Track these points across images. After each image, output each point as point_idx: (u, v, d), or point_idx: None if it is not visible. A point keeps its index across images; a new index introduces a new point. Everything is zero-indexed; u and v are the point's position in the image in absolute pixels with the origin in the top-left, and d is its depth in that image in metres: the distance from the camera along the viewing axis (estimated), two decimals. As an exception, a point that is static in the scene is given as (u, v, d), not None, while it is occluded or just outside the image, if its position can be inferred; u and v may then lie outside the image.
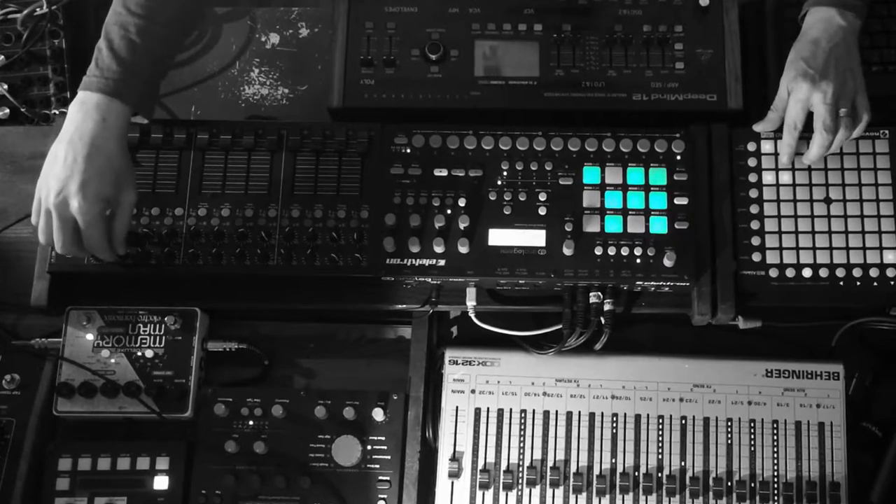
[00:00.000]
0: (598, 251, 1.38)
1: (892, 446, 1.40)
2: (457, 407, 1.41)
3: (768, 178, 1.43)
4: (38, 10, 1.61)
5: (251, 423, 1.41)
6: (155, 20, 1.38)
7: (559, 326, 1.41)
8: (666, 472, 1.38)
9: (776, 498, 1.37)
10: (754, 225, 1.42)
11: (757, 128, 1.44)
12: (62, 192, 1.30)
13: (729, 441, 1.40)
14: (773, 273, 1.40)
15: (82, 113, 1.33)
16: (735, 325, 1.43)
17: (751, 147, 1.44)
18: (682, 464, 1.39)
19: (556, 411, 1.41)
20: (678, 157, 1.42)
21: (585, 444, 1.40)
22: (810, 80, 1.34)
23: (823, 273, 1.40)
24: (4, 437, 1.41)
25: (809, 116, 1.37)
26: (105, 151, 1.31)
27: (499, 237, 1.39)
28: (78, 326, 1.44)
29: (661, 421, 1.41)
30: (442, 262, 1.38)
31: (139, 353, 1.43)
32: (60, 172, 1.30)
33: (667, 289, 1.41)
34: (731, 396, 1.41)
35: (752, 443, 1.39)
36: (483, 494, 1.38)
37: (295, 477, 1.38)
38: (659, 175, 1.41)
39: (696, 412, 1.41)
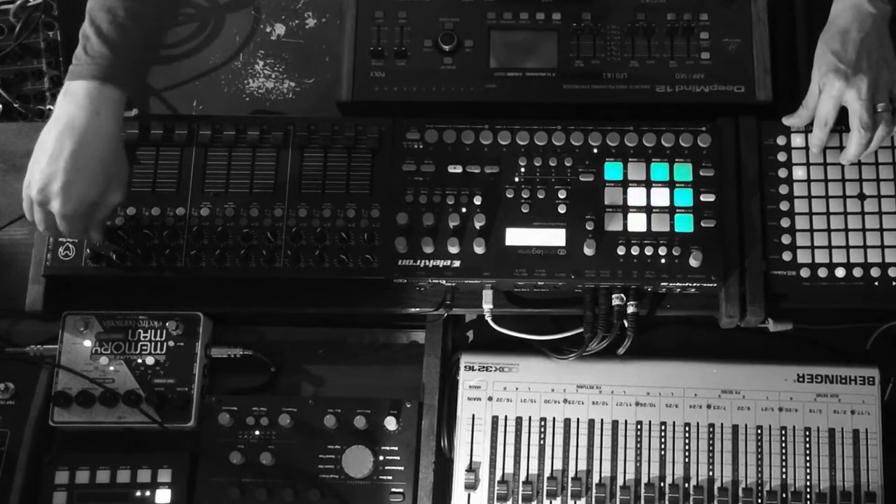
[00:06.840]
0: (621, 251, 1.37)
1: (931, 454, 1.39)
2: (473, 415, 1.40)
3: (799, 173, 1.42)
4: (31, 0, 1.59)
5: (257, 433, 1.40)
6: (143, 1, 1.36)
7: (580, 330, 1.40)
8: (693, 482, 1.37)
9: (809, 509, 1.37)
10: (784, 222, 1.40)
11: (787, 122, 1.42)
12: (44, 190, 1.27)
13: (759, 449, 1.38)
14: (805, 273, 1.38)
15: (73, 104, 1.29)
16: (765, 328, 1.41)
17: (780, 141, 1.43)
18: (710, 473, 1.37)
19: (578, 419, 1.40)
20: (704, 152, 1.40)
21: (608, 454, 1.39)
22: (843, 76, 1.32)
23: (857, 273, 1.38)
24: (-1, 448, 1.41)
25: (844, 111, 1.35)
26: (96, 152, 1.28)
27: (516, 237, 1.37)
28: (75, 332, 1.42)
29: (687, 429, 1.39)
30: (457, 263, 1.37)
31: (139, 360, 1.42)
32: (46, 167, 1.27)
33: (693, 290, 1.39)
34: (761, 403, 1.39)
35: (784, 451, 1.38)
36: (501, 507, 1.38)
37: (304, 489, 1.37)
38: (684, 171, 1.40)
39: (724, 419, 1.39)
